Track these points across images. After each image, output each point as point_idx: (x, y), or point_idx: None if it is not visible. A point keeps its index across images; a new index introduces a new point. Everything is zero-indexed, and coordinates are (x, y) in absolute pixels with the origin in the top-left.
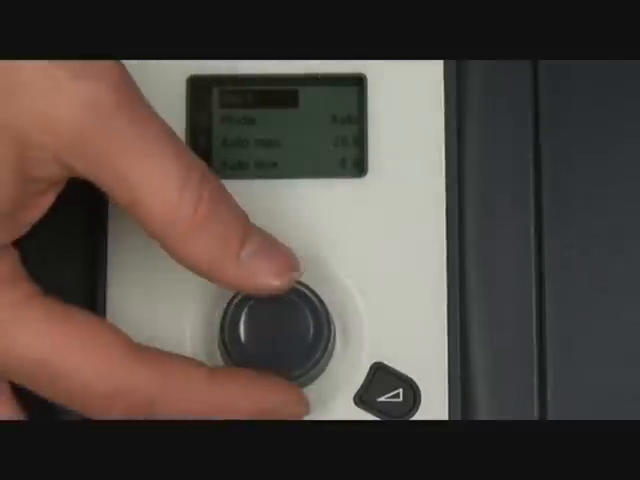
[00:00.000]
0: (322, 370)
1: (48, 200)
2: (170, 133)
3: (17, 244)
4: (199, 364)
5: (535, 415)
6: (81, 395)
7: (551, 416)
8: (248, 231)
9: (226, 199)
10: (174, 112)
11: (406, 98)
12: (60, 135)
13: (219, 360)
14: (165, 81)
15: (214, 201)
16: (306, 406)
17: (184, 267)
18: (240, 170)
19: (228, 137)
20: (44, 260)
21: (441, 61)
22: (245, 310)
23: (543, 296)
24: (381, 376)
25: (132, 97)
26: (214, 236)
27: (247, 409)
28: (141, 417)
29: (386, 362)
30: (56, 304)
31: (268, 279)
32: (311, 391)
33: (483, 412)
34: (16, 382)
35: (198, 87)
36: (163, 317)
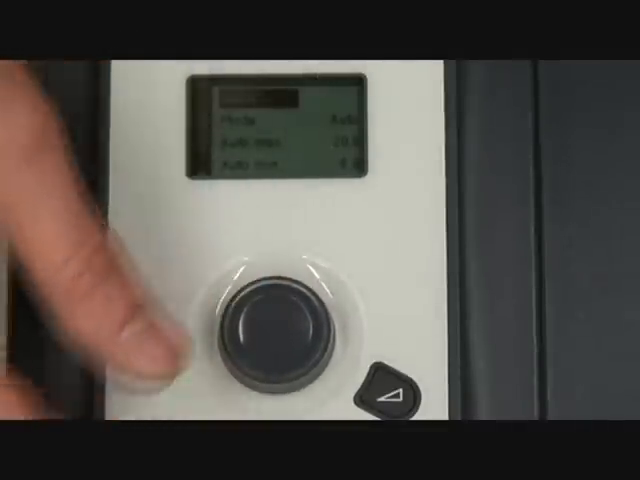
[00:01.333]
0: (322, 370)
1: None
2: (74, 196)
3: None
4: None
5: (535, 415)
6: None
7: (551, 416)
8: (134, 311)
9: (115, 276)
10: (174, 112)
11: (406, 98)
12: None
13: (219, 360)
14: (165, 81)
15: (101, 275)
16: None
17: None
18: (240, 170)
19: (228, 137)
20: None
21: (441, 61)
22: (245, 310)
23: (543, 296)
24: (381, 376)
25: (45, 151)
26: (92, 312)
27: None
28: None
29: (386, 362)
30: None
31: (147, 364)
32: (311, 391)
33: (483, 412)
34: None
35: (198, 87)
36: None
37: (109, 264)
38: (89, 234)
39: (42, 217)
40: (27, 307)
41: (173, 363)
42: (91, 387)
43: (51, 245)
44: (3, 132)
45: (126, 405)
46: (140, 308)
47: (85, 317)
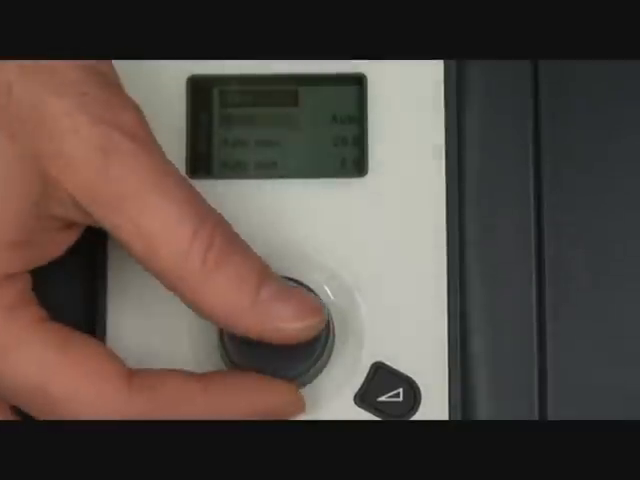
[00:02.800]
0: (322, 370)
1: (66, 240)
2: (183, 181)
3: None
4: (193, 378)
5: (535, 415)
6: None
7: (551, 416)
8: (264, 276)
9: (239, 246)
10: (174, 112)
11: (406, 98)
12: (73, 176)
13: (219, 361)
14: (165, 81)
15: (225, 248)
16: (302, 404)
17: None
18: (240, 170)
19: (228, 137)
20: (43, 270)
21: (441, 61)
22: None
23: (543, 296)
24: (381, 376)
25: (147, 144)
26: (227, 282)
27: (244, 413)
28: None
29: (386, 362)
30: (57, 331)
31: (289, 322)
32: (311, 391)
33: (483, 412)
34: (11, 402)
35: (198, 87)
36: (163, 318)
37: (231, 234)
38: (205, 210)
39: (157, 205)
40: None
41: (317, 314)
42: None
43: (174, 229)
44: (107, 131)
45: None
46: (269, 269)
47: (221, 289)
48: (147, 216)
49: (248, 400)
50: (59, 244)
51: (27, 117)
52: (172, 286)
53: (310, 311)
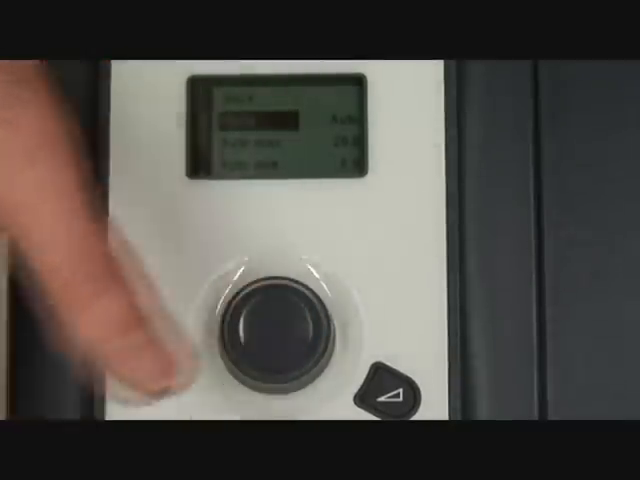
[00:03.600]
0: (322, 370)
1: None
2: (79, 199)
3: None
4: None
5: (535, 415)
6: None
7: (551, 416)
8: (134, 323)
9: (116, 285)
10: (174, 112)
11: (406, 98)
12: None
13: (219, 360)
14: (165, 81)
15: (99, 284)
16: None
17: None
18: (240, 170)
19: (228, 137)
20: None
21: (441, 61)
22: (245, 310)
23: (543, 295)
24: (381, 376)
25: (49, 152)
26: (92, 320)
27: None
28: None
29: (386, 362)
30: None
31: (143, 378)
32: (311, 391)
33: (483, 412)
34: None
35: (198, 87)
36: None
37: (109, 272)
38: (89, 239)
39: (43, 220)
40: (27, 310)
41: (169, 379)
42: (91, 387)
43: (49, 248)
44: (7, 133)
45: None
46: (140, 320)
47: (83, 325)
48: (33, 229)
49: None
50: None
51: None
52: (46, 302)
53: (164, 375)
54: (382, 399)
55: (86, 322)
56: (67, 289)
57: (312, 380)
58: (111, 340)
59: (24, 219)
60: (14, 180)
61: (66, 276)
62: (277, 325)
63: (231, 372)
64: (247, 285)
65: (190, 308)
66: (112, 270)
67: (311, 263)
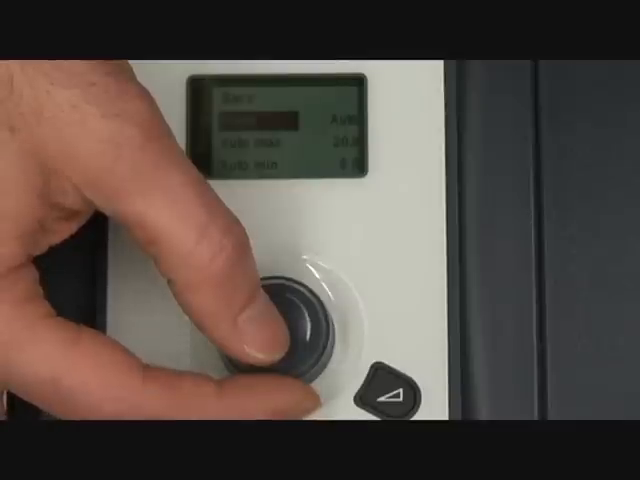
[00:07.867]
0: (322, 370)
1: (69, 228)
2: (197, 177)
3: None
4: (207, 379)
5: (535, 415)
6: (88, 415)
7: (551, 416)
8: (253, 296)
9: (245, 257)
10: (174, 112)
11: (406, 98)
12: (79, 168)
13: (219, 360)
14: (165, 81)
15: (233, 257)
16: (317, 399)
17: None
18: (240, 170)
19: (228, 137)
20: (44, 271)
21: (441, 61)
22: None
23: (543, 296)
24: (381, 376)
25: (158, 138)
26: (220, 293)
27: (260, 413)
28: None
29: (386, 362)
30: (67, 324)
31: (255, 350)
32: None
33: (483, 412)
34: (21, 397)
35: (198, 87)
36: (164, 319)
37: (243, 241)
38: (218, 208)
39: (166, 199)
40: None
41: (282, 348)
42: None
43: (181, 225)
44: (117, 123)
45: None
46: (259, 292)
47: (210, 298)
48: (151, 214)
49: (262, 401)
50: (61, 233)
51: (28, 109)
52: (166, 276)
53: (277, 345)
54: (382, 399)
55: (211, 296)
56: (198, 265)
57: (312, 380)
58: (234, 312)
59: (138, 206)
60: (126, 168)
61: (196, 252)
62: None
63: (231, 372)
64: None
65: None
66: (240, 243)
67: (311, 263)
